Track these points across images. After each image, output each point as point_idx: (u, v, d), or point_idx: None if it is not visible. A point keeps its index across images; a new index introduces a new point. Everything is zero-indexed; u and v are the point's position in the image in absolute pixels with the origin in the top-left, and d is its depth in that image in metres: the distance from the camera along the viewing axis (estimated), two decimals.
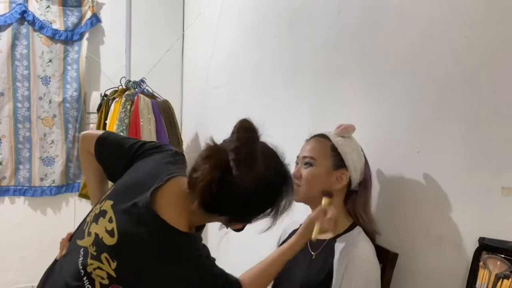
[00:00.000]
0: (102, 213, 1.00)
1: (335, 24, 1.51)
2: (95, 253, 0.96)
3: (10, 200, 2.93)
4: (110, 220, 0.97)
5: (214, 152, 0.93)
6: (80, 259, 0.98)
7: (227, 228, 1.04)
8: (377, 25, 1.31)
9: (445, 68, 1.08)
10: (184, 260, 0.96)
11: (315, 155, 1.16)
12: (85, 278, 0.95)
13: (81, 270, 0.96)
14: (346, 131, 1.19)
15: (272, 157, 0.99)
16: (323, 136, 1.20)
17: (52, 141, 2.95)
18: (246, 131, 0.94)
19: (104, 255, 0.94)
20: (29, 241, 2.91)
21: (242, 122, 0.95)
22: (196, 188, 0.91)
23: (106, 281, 0.94)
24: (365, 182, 1.19)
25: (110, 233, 0.96)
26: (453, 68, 1.05)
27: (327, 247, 1.14)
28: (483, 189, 0.97)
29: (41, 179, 2.95)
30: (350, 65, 1.43)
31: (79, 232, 1.05)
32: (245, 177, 0.90)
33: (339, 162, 1.15)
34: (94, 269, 0.95)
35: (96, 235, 0.98)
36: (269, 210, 0.98)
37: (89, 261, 0.96)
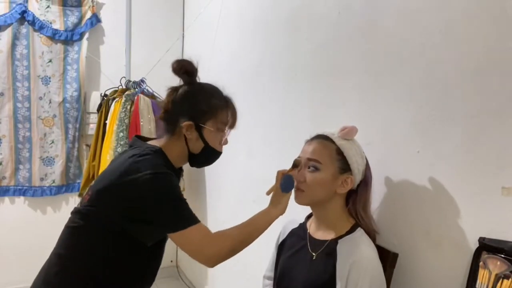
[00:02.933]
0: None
1: (335, 24, 1.51)
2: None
3: (10, 200, 2.94)
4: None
5: (168, 88, 1.25)
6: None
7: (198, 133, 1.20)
8: (377, 25, 1.31)
9: (445, 68, 1.08)
10: (145, 165, 1.11)
11: (321, 159, 1.13)
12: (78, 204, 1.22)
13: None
14: (350, 134, 1.16)
15: (211, 84, 1.27)
16: (326, 138, 1.16)
17: (52, 141, 2.95)
18: (177, 64, 1.21)
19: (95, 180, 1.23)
20: (29, 241, 2.91)
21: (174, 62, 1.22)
22: (161, 116, 1.23)
23: (86, 191, 1.22)
24: (366, 182, 1.18)
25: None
26: (453, 68, 1.05)
27: (328, 249, 1.13)
28: (483, 189, 0.97)
29: (41, 179, 2.95)
30: (350, 65, 1.43)
31: None
32: (184, 86, 1.22)
33: (344, 166, 1.13)
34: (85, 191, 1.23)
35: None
36: (205, 105, 1.20)
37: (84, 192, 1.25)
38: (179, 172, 1.30)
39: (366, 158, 1.19)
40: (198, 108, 1.20)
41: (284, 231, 1.33)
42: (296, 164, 1.17)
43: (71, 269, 1.15)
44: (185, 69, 1.21)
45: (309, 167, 1.14)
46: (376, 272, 1.06)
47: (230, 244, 1.14)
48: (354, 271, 1.04)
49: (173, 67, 1.20)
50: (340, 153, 1.13)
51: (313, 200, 1.16)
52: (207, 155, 1.25)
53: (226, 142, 1.28)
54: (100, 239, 1.14)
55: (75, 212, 1.20)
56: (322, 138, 1.17)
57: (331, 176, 1.12)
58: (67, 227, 1.21)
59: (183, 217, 1.11)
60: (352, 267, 1.04)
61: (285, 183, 1.19)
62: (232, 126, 1.26)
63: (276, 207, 1.21)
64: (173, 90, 1.23)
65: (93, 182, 1.21)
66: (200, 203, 2.86)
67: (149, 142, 1.25)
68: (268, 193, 1.24)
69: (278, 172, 1.22)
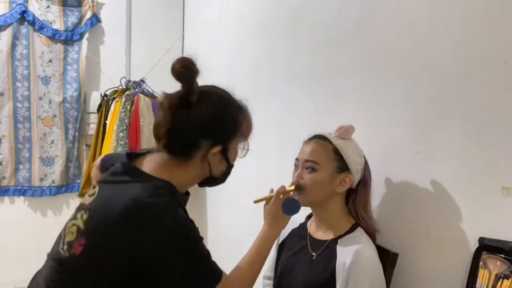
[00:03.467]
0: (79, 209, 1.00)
1: (335, 24, 1.51)
2: (73, 215, 0.99)
3: (10, 200, 2.94)
4: (94, 187, 1.01)
5: (165, 98, 0.97)
6: (62, 239, 0.98)
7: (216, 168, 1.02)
8: (377, 25, 1.31)
9: (445, 68, 1.08)
10: (161, 211, 0.90)
11: (318, 159, 1.13)
12: (61, 242, 0.97)
13: (61, 244, 0.97)
14: (346, 133, 1.17)
15: (220, 88, 1.05)
16: (323, 138, 1.17)
17: (52, 141, 2.95)
18: (182, 66, 0.94)
19: (80, 212, 0.96)
20: (28, 241, 2.90)
21: (176, 62, 0.94)
22: (161, 133, 0.96)
23: (74, 236, 0.93)
24: (365, 181, 1.18)
25: (93, 194, 0.98)
26: (453, 68, 1.05)
27: (328, 248, 1.13)
28: (483, 189, 0.97)
29: (41, 179, 2.95)
30: (350, 65, 1.43)
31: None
32: (200, 101, 0.95)
33: (342, 166, 1.13)
34: (68, 227, 0.97)
35: (80, 203, 1.01)
36: (232, 125, 1.00)
37: (68, 225, 0.98)
38: (187, 199, 1.08)
39: (364, 157, 1.19)
40: (224, 128, 0.99)
41: (284, 231, 1.33)
42: (301, 187, 1.14)
43: None
44: (195, 71, 0.95)
45: (307, 168, 1.14)
46: (376, 272, 1.06)
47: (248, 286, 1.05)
48: (354, 271, 1.04)
49: (177, 72, 0.93)
50: (337, 152, 1.14)
51: (312, 201, 1.16)
52: (226, 175, 1.08)
53: (243, 156, 1.10)
54: None
55: (59, 261, 0.95)
56: (319, 139, 1.18)
57: (329, 176, 1.13)
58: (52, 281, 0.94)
59: (209, 275, 0.95)
60: (352, 267, 1.04)
61: (290, 207, 1.13)
62: (248, 136, 1.08)
63: (276, 228, 1.13)
64: (180, 102, 0.95)
65: (79, 222, 0.95)
66: (200, 203, 2.85)
67: (151, 170, 0.97)
68: (256, 202, 1.16)
69: (278, 192, 1.14)
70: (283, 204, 1.13)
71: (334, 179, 1.13)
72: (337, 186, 1.14)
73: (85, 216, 0.94)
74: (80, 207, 0.99)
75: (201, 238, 0.96)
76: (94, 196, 0.97)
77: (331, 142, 1.15)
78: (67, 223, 1.01)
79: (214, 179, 1.06)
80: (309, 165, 1.14)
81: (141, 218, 0.88)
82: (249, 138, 1.08)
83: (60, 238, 1.00)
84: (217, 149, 0.98)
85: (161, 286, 0.93)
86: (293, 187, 1.15)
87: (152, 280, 0.91)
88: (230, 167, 1.06)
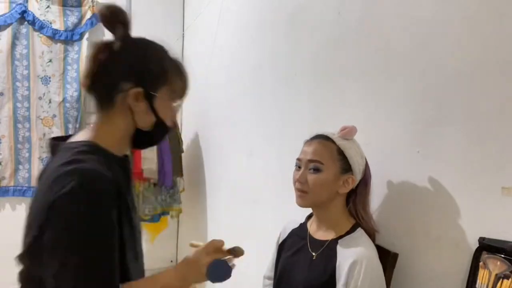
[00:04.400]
0: None
1: (335, 24, 1.51)
2: None
3: (10, 200, 2.93)
4: None
5: (91, 48, 0.92)
6: None
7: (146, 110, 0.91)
8: (377, 25, 1.31)
9: (445, 68, 1.08)
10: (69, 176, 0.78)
11: (323, 159, 1.12)
12: None
13: None
14: (350, 134, 1.16)
15: (154, 41, 0.98)
16: (326, 138, 1.16)
17: None
18: (108, 10, 0.90)
19: None
20: None
21: (103, 7, 0.90)
22: (85, 79, 0.89)
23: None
24: (365, 181, 1.18)
25: None
26: (453, 68, 1.05)
27: (329, 249, 1.13)
28: (483, 189, 0.97)
29: None
30: (350, 65, 1.43)
31: None
32: (125, 46, 0.90)
33: (346, 166, 1.13)
34: None
35: None
36: (157, 69, 0.92)
37: None
38: (125, 162, 0.96)
39: (365, 158, 1.19)
40: (148, 69, 0.90)
41: (284, 231, 1.33)
42: (236, 253, 0.93)
43: None
44: (121, 17, 0.90)
45: (310, 169, 1.13)
46: (376, 272, 1.07)
47: None
48: (354, 271, 1.04)
49: (102, 14, 0.88)
50: (341, 153, 1.13)
51: (315, 202, 1.16)
52: (158, 132, 0.95)
53: (176, 117, 1.00)
54: None
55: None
56: (322, 138, 1.16)
57: (333, 176, 1.12)
58: None
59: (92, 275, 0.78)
60: (352, 267, 1.04)
61: (218, 273, 0.90)
62: (182, 95, 0.98)
63: (182, 282, 0.91)
64: (104, 46, 0.89)
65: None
66: (200, 203, 2.85)
67: (72, 139, 0.91)
68: (191, 245, 0.98)
69: (209, 247, 0.91)
70: (210, 266, 0.89)
71: (338, 180, 1.13)
72: (340, 187, 1.13)
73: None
74: None
75: (112, 227, 0.81)
76: None
77: (334, 142, 1.14)
78: None
79: (144, 135, 0.93)
80: (313, 165, 1.13)
81: (50, 182, 0.80)
82: (182, 96, 0.98)
83: None
84: (135, 91, 0.88)
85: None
86: (228, 253, 0.93)
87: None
88: (160, 121, 0.93)
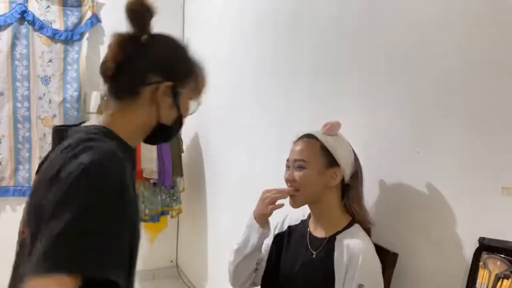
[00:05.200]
0: None
1: (335, 24, 1.51)
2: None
3: (10, 200, 2.93)
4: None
5: (114, 36, 0.88)
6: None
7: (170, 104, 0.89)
8: (377, 25, 1.31)
9: (445, 68, 1.08)
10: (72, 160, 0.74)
11: (306, 157, 1.16)
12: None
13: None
14: (332, 129, 1.20)
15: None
16: (310, 137, 1.20)
17: None
18: (136, 4, 0.88)
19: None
20: None
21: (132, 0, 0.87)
22: (108, 69, 0.86)
23: (21, 228, 0.86)
24: (356, 175, 1.20)
25: None
26: (453, 68, 1.05)
27: (327, 245, 1.15)
28: (483, 189, 0.97)
29: None
30: (350, 65, 1.43)
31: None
32: (152, 40, 0.89)
33: (331, 161, 1.16)
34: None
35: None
36: (186, 65, 0.92)
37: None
38: (134, 154, 0.93)
39: (354, 152, 1.21)
40: (177, 65, 0.91)
41: (282, 225, 1.33)
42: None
43: None
44: (150, 12, 0.91)
45: (296, 167, 1.17)
46: (373, 265, 1.08)
47: None
48: (351, 265, 1.06)
49: (131, 8, 0.87)
50: (324, 148, 1.17)
51: (306, 199, 1.18)
52: (177, 128, 0.95)
53: (191, 113, 0.99)
54: None
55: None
56: (307, 137, 1.21)
57: (317, 172, 1.15)
58: None
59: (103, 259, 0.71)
60: (349, 261, 1.07)
61: None
62: (203, 93, 0.98)
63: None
64: (131, 37, 0.87)
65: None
66: (200, 203, 2.85)
67: (86, 124, 0.89)
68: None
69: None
70: None
71: (324, 174, 1.16)
72: (328, 181, 1.16)
73: (27, 202, 0.90)
74: None
75: (120, 216, 0.74)
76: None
77: (318, 139, 1.18)
78: None
79: (164, 129, 0.91)
80: (297, 164, 1.17)
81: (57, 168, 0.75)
82: (202, 95, 0.97)
83: None
84: (167, 84, 0.87)
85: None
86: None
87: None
88: (180, 117, 0.92)
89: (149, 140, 0.94)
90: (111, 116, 0.88)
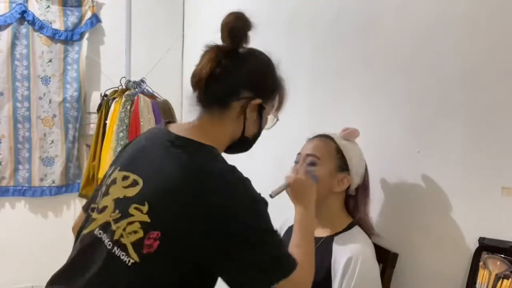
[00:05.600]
0: (113, 182, 0.90)
1: (335, 24, 1.51)
2: (119, 215, 0.84)
3: (10, 200, 2.93)
4: (125, 178, 0.88)
5: (210, 47, 0.94)
6: (103, 236, 0.85)
7: (246, 116, 0.92)
8: (377, 25, 1.31)
9: (445, 68, 1.08)
10: (227, 185, 0.82)
11: (320, 154, 1.14)
12: (114, 249, 0.82)
13: (108, 244, 0.83)
14: (351, 135, 1.18)
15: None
16: (327, 137, 1.19)
17: (52, 141, 2.95)
18: (238, 19, 0.94)
19: (132, 207, 0.83)
20: (29, 241, 2.90)
21: (230, 16, 0.93)
22: (201, 79, 0.89)
23: (140, 233, 0.80)
24: (365, 186, 1.19)
25: (132, 184, 0.86)
26: (453, 68, 1.05)
27: (324, 245, 1.13)
28: (483, 189, 0.97)
29: (41, 180, 2.94)
30: (350, 65, 1.43)
31: (87, 222, 0.92)
32: (246, 55, 0.93)
33: (343, 165, 1.14)
34: (124, 229, 0.82)
35: (114, 200, 0.87)
36: (273, 82, 0.96)
37: (114, 227, 0.83)
38: None
39: (365, 162, 1.19)
40: (266, 83, 0.95)
41: (280, 230, 1.33)
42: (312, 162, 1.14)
43: None
44: (247, 27, 0.95)
45: (308, 163, 1.15)
46: (371, 268, 1.07)
47: (311, 273, 0.92)
48: (348, 268, 1.04)
49: (230, 23, 0.93)
50: (339, 151, 1.15)
51: None
52: (254, 142, 1.01)
53: (271, 127, 1.05)
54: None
55: (124, 268, 0.81)
56: (324, 137, 1.19)
57: (328, 172, 1.14)
58: (115, 261, 0.82)
59: (282, 268, 0.84)
60: (347, 264, 1.05)
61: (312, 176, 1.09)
62: (280, 108, 1.02)
63: (311, 204, 1.03)
64: (228, 51, 0.92)
65: (142, 217, 0.82)
66: None
67: (190, 136, 0.90)
68: (275, 195, 1.07)
69: (296, 170, 1.11)
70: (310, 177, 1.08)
71: (333, 177, 1.14)
72: (335, 185, 1.14)
73: (144, 208, 0.82)
74: (122, 202, 0.86)
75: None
76: (135, 183, 0.86)
77: (335, 141, 1.16)
78: (101, 228, 0.87)
79: (243, 142, 0.97)
80: (310, 159, 1.15)
81: (211, 184, 0.81)
82: (280, 110, 1.02)
83: (93, 247, 0.86)
84: (257, 101, 0.91)
85: (223, 276, 0.84)
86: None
87: (214, 273, 0.85)
88: (260, 131, 0.99)
89: (227, 150, 0.98)
90: (205, 129, 0.91)
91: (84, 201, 2.92)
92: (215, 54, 0.91)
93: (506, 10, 0.93)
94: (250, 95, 0.91)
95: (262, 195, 0.88)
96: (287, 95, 1.02)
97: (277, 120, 1.03)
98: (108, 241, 0.84)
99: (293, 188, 1.06)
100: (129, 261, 0.80)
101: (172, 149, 0.88)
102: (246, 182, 0.86)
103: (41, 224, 2.98)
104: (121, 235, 0.82)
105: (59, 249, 2.73)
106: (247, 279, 0.83)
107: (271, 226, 0.86)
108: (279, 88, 0.98)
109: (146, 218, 0.81)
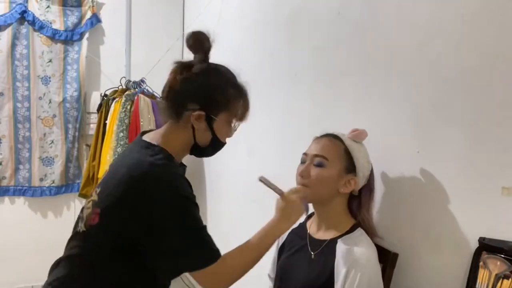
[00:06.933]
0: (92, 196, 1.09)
1: (335, 24, 1.51)
2: (90, 196, 1.09)
3: (10, 200, 2.93)
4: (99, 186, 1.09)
5: (174, 64, 1.09)
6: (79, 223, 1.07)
7: (211, 132, 1.08)
8: (377, 25, 1.31)
9: (445, 68, 1.08)
10: (161, 172, 0.99)
11: (328, 155, 1.13)
12: (78, 225, 1.07)
13: (79, 225, 1.07)
14: (360, 136, 1.17)
15: (226, 68, 1.14)
16: (335, 137, 1.17)
17: (52, 141, 2.95)
18: (194, 38, 1.07)
19: (95, 191, 1.07)
20: (28, 241, 2.90)
21: (190, 35, 1.07)
22: (164, 92, 1.08)
23: (90, 210, 1.03)
24: (370, 188, 1.18)
25: (105, 174, 1.11)
26: (453, 68, 1.05)
27: (328, 248, 1.13)
28: (483, 189, 0.97)
29: (41, 179, 2.95)
30: (350, 65, 1.43)
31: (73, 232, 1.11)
32: (201, 71, 1.06)
33: (350, 166, 1.13)
34: (87, 208, 1.06)
35: (92, 194, 1.09)
36: (222, 98, 1.06)
37: (85, 206, 1.08)
38: (184, 170, 1.16)
39: (371, 164, 1.19)
40: (212, 97, 1.06)
41: (284, 234, 1.32)
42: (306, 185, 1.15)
43: None
44: (203, 45, 1.06)
45: (314, 163, 1.14)
46: (374, 272, 1.06)
47: (239, 273, 1.05)
48: (352, 270, 1.04)
49: (189, 43, 1.06)
50: (348, 152, 1.14)
51: (315, 197, 1.16)
52: (213, 148, 1.13)
53: (231, 135, 1.16)
54: (110, 261, 1.01)
55: (76, 238, 1.06)
56: (332, 137, 1.18)
57: (336, 173, 1.12)
58: (70, 256, 1.05)
59: (203, 252, 0.99)
60: (350, 266, 1.04)
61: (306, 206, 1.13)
62: (242, 119, 1.13)
63: (285, 223, 1.10)
64: (184, 66, 1.06)
65: (94, 197, 1.06)
66: (200, 203, 2.85)
67: (150, 139, 1.08)
68: (262, 181, 1.12)
69: (293, 192, 1.12)
70: (303, 202, 1.11)
71: (340, 178, 1.13)
72: (342, 187, 1.13)
73: (98, 190, 1.06)
74: (97, 187, 1.09)
75: (198, 208, 1.03)
76: (106, 173, 1.11)
77: (343, 142, 1.15)
78: (83, 206, 1.10)
79: (200, 149, 1.11)
80: (317, 160, 1.13)
81: (142, 176, 0.98)
82: (241, 119, 1.13)
83: (76, 224, 1.10)
84: (198, 113, 1.04)
85: (148, 258, 0.99)
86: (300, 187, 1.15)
87: (140, 252, 0.98)
88: (216, 139, 1.10)
89: (192, 153, 1.13)
90: (163, 135, 1.08)
91: (83, 201, 2.94)
92: (174, 70, 1.07)
93: (506, 10, 0.93)
94: (196, 107, 1.04)
95: (188, 192, 1.02)
96: (246, 107, 1.12)
97: (234, 130, 1.14)
98: (79, 222, 1.08)
99: (283, 203, 1.10)
100: (81, 229, 1.05)
101: (136, 149, 1.08)
102: (174, 177, 1.01)
103: (41, 224, 2.99)
104: (82, 213, 1.08)
105: (59, 249, 2.74)
106: (163, 263, 0.99)
107: (192, 218, 1.00)
108: (231, 103, 1.08)
109: (96, 198, 1.05)
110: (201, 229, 1.01)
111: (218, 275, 1.01)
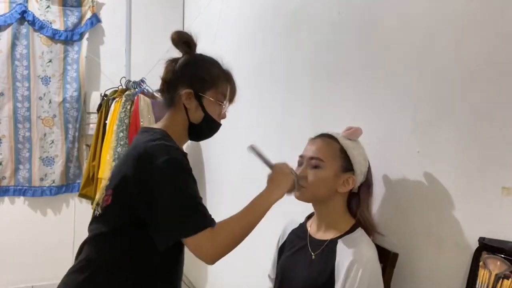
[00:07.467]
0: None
1: (335, 24, 1.51)
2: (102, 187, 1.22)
3: (10, 200, 2.94)
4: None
5: (167, 60, 1.22)
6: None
7: (202, 109, 1.16)
8: (377, 25, 1.31)
9: (445, 68, 1.08)
10: (152, 147, 1.06)
11: (324, 157, 1.13)
12: (95, 211, 1.16)
13: (96, 211, 1.16)
14: (354, 134, 1.17)
15: (210, 56, 1.24)
16: (330, 137, 1.17)
17: (52, 141, 2.95)
18: (176, 37, 1.20)
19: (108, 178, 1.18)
20: (29, 241, 2.91)
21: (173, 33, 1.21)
22: (160, 89, 1.21)
23: (103, 193, 1.13)
24: (368, 185, 1.18)
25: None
26: (454, 68, 1.05)
27: (328, 248, 1.13)
28: (483, 189, 0.97)
29: (41, 179, 2.95)
30: (350, 65, 1.43)
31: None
32: (186, 59, 1.19)
33: (347, 165, 1.13)
34: (101, 193, 1.15)
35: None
36: (207, 76, 1.17)
37: (100, 198, 1.16)
38: (186, 157, 1.19)
39: (368, 161, 1.19)
40: (198, 76, 1.17)
41: (284, 233, 1.33)
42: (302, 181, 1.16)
43: (101, 277, 1.09)
44: (184, 39, 1.19)
45: (312, 165, 1.14)
46: (375, 272, 1.06)
47: (231, 240, 1.07)
48: (351, 271, 1.04)
49: (173, 38, 1.20)
50: (343, 152, 1.14)
51: (314, 197, 1.16)
52: (208, 126, 1.20)
53: (224, 116, 1.24)
54: (127, 241, 1.08)
55: (95, 218, 1.15)
56: (326, 137, 1.18)
57: (333, 174, 1.13)
58: (92, 236, 1.14)
59: (197, 217, 1.04)
60: (350, 267, 1.04)
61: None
62: (231, 100, 1.23)
63: (277, 190, 1.12)
64: (172, 61, 1.20)
65: (107, 182, 1.16)
66: None
67: (156, 125, 1.21)
68: (252, 150, 1.23)
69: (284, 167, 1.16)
70: (292, 171, 1.15)
71: (338, 178, 1.13)
72: (340, 186, 1.14)
73: (110, 176, 1.17)
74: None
75: (195, 181, 1.09)
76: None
77: (338, 141, 1.15)
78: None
79: (196, 127, 1.19)
80: (313, 162, 1.14)
81: (144, 151, 1.06)
82: (230, 100, 1.23)
83: (93, 212, 1.19)
84: (186, 91, 1.14)
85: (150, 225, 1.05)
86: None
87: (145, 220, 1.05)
88: (209, 117, 1.17)
89: (191, 137, 1.22)
90: (163, 120, 1.19)
91: (84, 201, 2.94)
92: (166, 65, 1.21)
93: (506, 10, 0.93)
94: (184, 87, 1.15)
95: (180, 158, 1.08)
96: (230, 85, 1.22)
97: (224, 109, 1.22)
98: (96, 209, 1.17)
99: (273, 173, 1.15)
100: (97, 213, 1.14)
101: (138, 136, 1.18)
102: (172, 150, 1.07)
103: (41, 224, 2.99)
104: (100, 199, 1.15)
105: (59, 249, 2.74)
106: (158, 228, 1.04)
107: (187, 185, 1.06)
108: (216, 78, 1.18)
109: (107, 182, 1.15)
110: (195, 198, 1.06)
111: (210, 243, 1.02)
